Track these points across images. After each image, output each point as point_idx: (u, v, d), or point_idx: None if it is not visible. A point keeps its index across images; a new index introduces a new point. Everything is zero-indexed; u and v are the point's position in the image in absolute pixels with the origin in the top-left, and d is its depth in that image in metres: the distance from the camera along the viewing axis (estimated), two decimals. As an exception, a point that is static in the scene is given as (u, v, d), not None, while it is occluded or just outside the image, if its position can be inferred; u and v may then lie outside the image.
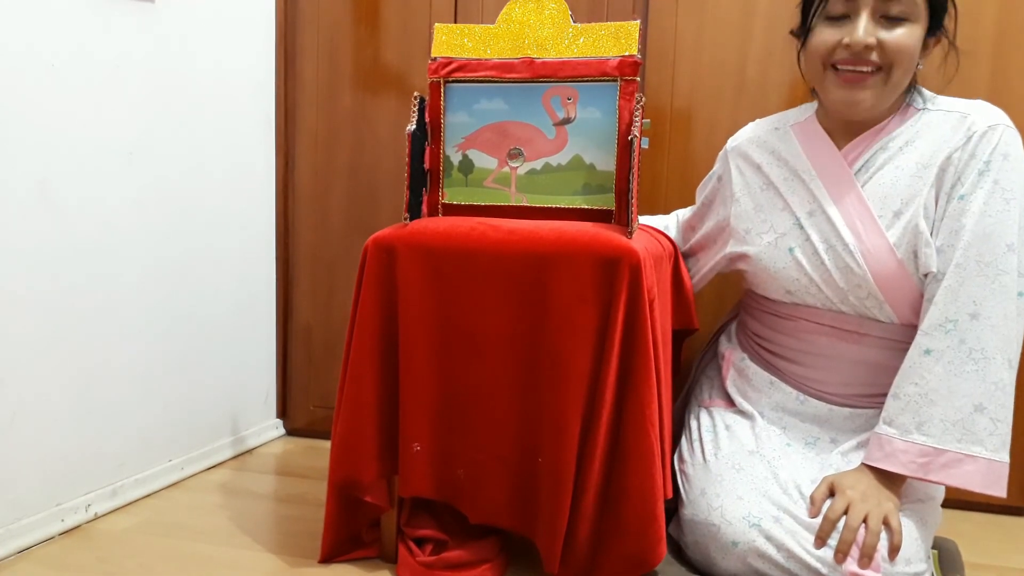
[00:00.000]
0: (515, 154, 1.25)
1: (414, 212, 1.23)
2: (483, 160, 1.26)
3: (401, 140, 1.74)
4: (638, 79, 1.19)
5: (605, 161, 1.21)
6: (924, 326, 1.14)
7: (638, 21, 1.21)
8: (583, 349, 1.10)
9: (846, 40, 1.13)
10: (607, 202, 1.22)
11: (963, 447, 1.09)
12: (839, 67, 1.16)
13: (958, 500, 1.45)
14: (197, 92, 1.59)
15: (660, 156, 1.64)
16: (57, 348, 1.32)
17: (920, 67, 1.18)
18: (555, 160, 1.24)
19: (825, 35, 1.16)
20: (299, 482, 1.61)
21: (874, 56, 1.13)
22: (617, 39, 1.20)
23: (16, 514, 1.26)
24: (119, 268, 1.43)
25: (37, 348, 1.28)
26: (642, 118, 1.16)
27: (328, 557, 1.23)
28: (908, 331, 1.19)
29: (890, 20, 1.12)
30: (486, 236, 1.15)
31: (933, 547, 1.26)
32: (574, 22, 1.23)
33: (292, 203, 1.87)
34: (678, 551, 1.26)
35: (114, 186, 1.41)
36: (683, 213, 1.51)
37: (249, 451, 1.80)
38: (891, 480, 1.13)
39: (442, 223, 1.20)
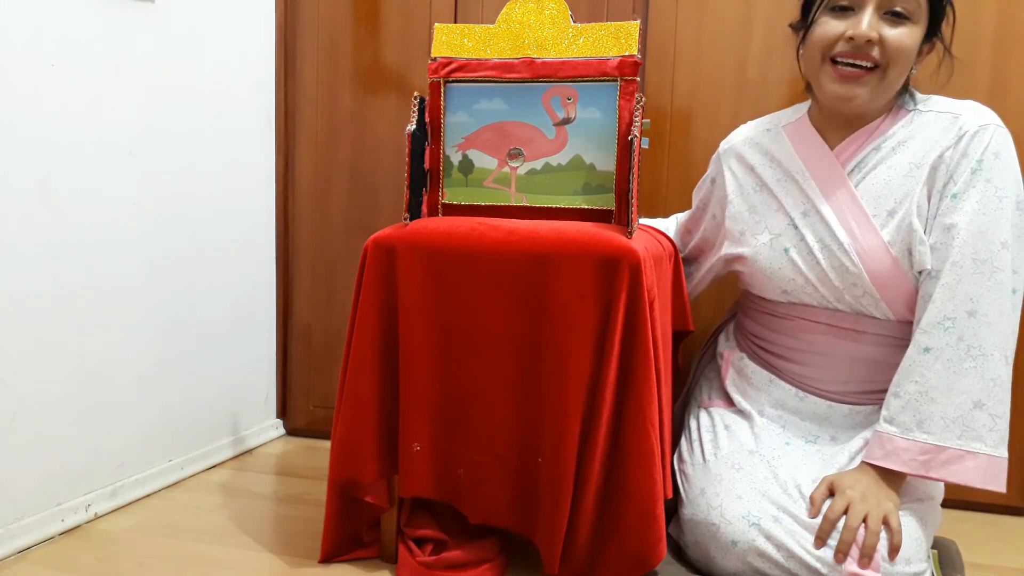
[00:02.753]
0: (515, 154, 1.25)
1: (414, 212, 1.23)
2: (483, 160, 1.26)
3: (401, 140, 1.74)
4: (638, 79, 1.19)
5: (605, 161, 1.22)
6: (922, 324, 1.14)
7: (638, 21, 1.21)
8: (583, 349, 1.10)
9: (850, 32, 1.14)
10: (607, 202, 1.22)
11: (963, 444, 1.09)
12: (838, 60, 1.16)
13: (958, 500, 1.45)
14: (197, 92, 1.59)
15: (660, 156, 1.64)
16: (57, 348, 1.32)
17: (914, 71, 1.19)
18: (555, 160, 1.24)
19: (829, 26, 1.16)
20: (299, 482, 1.61)
21: (875, 52, 1.14)
22: (617, 39, 1.20)
23: (16, 514, 1.26)
24: (119, 268, 1.43)
25: (37, 348, 1.28)
26: (642, 118, 1.17)
27: (328, 557, 1.23)
28: (904, 328, 1.20)
29: (894, 17, 1.13)
30: (486, 236, 1.15)
31: (933, 547, 1.26)
32: (574, 22, 1.23)
33: (292, 203, 1.87)
34: (678, 551, 1.26)
35: (114, 185, 1.41)
36: (681, 217, 1.51)
37: (249, 451, 1.80)
38: (891, 479, 1.13)
39: (442, 223, 1.20)
